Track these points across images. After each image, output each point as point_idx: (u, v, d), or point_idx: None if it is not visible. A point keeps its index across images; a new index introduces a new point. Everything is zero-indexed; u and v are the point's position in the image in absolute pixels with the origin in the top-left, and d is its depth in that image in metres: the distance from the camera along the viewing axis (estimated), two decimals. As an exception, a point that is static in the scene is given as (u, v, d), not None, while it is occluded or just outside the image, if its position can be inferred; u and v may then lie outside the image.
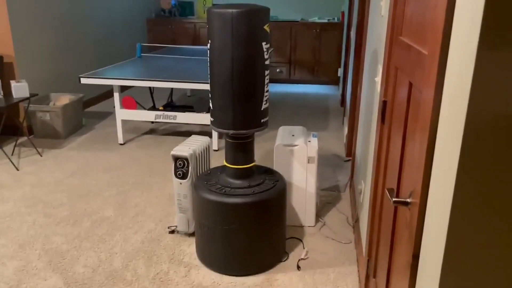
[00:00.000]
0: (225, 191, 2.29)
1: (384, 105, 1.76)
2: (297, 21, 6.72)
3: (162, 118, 4.14)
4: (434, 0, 1.05)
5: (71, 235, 2.74)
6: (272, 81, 7.04)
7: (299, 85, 6.95)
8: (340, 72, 6.46)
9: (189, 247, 2.62)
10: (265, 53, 2.19)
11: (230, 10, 2.07)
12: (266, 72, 2.24)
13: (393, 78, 1.62)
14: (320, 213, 3.02)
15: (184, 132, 4.69)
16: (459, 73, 0.84)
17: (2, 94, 3.93)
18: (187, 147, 2.59)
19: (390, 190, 1.30)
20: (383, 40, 2.01)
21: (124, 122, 4.50)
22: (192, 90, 6.28)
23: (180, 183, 2.57)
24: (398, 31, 1.59)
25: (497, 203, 0.82)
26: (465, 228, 0.84)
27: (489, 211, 0.83)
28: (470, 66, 0.77)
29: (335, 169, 3.74)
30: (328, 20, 6.77)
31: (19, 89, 3.85)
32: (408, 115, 1.35)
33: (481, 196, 0.82)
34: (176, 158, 2.55)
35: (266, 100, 2.28)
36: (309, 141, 2.75)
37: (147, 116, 4.17)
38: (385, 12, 2.05)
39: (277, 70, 6.93)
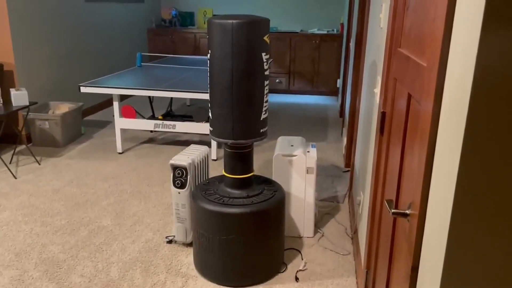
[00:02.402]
0: (223, 201, 2.29)
1: (383, 116, 1.76)
2: (297, 32, 6.76)
3: (161, 127, 4.15)
4: (433, 12, 1.06)
5: (68, 244, 2.73)
6: (271, 91, 7.06)
7: (298, 95, 6.97)
8: (339, 83, 6.48)
9: (187, 257, 2.60)
10: (265, 63, 2.20)
11: (230, 21, 2.09)
12: (266, 83, 2.25)
13: (392, 89, 1.62)
14: (318, 224, 3.01)
15: (183, 142, 4.69)
16: (458, 85, 0.84)
17: (1, 102, 3.93)
18: (186, 157, 2.58)
19: (389, 202, 1.30)
20: (382, 51, 2.02)
21: (123, 131, 4.50)
22: (192, 100, 6.30)
23: (179, 193, 2.57)
24: (397, 43, 1.60)
25: (496, 215, 0.82)
26: (465, 240, 0.84)
27: (488, 223, 0.82)
28: (469, 78, 0.78)
29: (334, 180, 3.74)
30: (328, 31, 6.82)
31: (19, 97, 3.86)
32: (407, 126, 1.35)
33: (480, 208, 0.82)
34: (175, 168, 2.55)
35: (265, 110, 2.28)
36: (308, 152, 2.75)
37: (146, 125, 4.18)
38: (384, 24, 2.06)
39: (277, 80, 6.95)
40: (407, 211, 1.18)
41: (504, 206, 0.81)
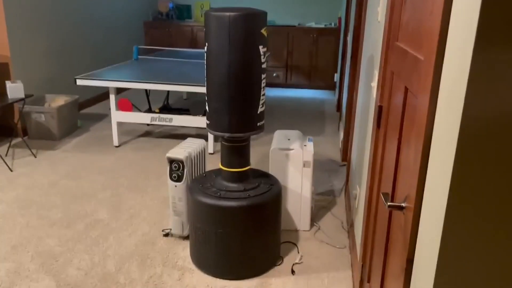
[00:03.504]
0: (220, 194, 2.29)
1: (379, 110, 1.76)
2: (294, 26, 6.74)
3: (158, 121, 4.14)
4: (430, 6, 1.06)
5: (65, 237, 2.73)
6: (268, 85, 7.05)
7: (295, 89, 6.96)
8: (336, 77, 6.48)
9: (183, 250, 2.61)
10: (262, 57, 2.19)
11: (227, 14, 2.08)
12: (263, 76, 2.24)
13: (389, 83, 1.62)
14: (315, 217, 3.02)
15: (180, 135, 4.68)
16: (455, 79, 0.84)
17: (-3, 94, 3.91)
18: (182, 150, 2.58)
19: (385, 195, 1.30)
20: (380, 45, 2.02)
21: (119, 124, 4.48)
22: (188, 93, 6.28)
23: (175, 186, 2.57)
24: (394, 37, 1.60)
25: (491, 208, 0.82)
26: (459, 233, 0.85)
27: (483, 216, 0.83)
28: (465, 71, 0.78)
29: (331, 174, 3.75)
30: (325, 25, 6.80)
31: (14, 89, 3.83)
32: (403, 120, 1.35)
33: (475, 201, 0.82)
34: (172, 161, 2.55)
35: (262, 104, 2.28)
36: (305, 146, 2.75)
37: (143, 118, 4.16)
38: (381, 18, 2.06)
39: (274, 74, 6.94)
40: (403, 204, 1.19)
41: (499, 199, 0.81)
